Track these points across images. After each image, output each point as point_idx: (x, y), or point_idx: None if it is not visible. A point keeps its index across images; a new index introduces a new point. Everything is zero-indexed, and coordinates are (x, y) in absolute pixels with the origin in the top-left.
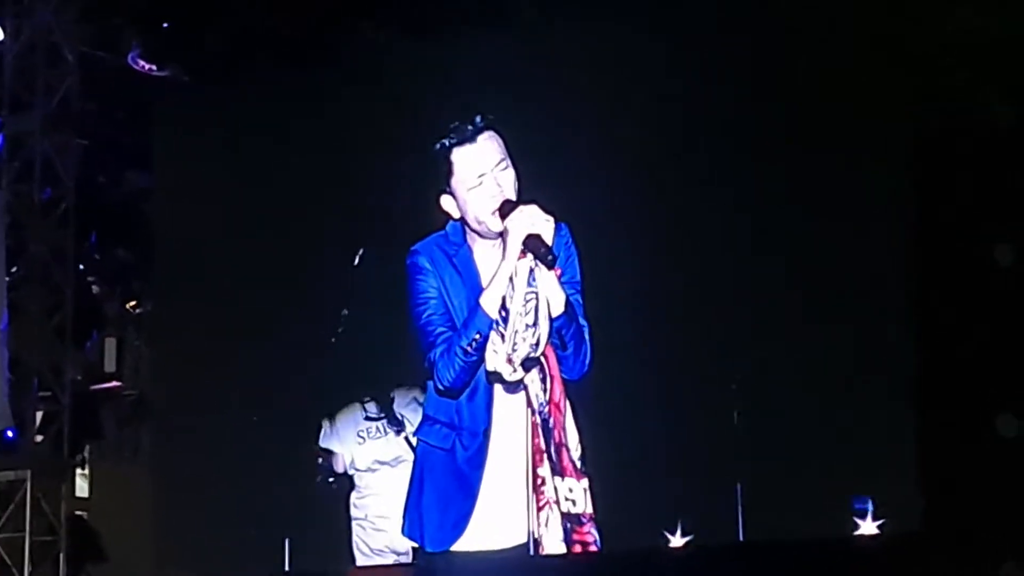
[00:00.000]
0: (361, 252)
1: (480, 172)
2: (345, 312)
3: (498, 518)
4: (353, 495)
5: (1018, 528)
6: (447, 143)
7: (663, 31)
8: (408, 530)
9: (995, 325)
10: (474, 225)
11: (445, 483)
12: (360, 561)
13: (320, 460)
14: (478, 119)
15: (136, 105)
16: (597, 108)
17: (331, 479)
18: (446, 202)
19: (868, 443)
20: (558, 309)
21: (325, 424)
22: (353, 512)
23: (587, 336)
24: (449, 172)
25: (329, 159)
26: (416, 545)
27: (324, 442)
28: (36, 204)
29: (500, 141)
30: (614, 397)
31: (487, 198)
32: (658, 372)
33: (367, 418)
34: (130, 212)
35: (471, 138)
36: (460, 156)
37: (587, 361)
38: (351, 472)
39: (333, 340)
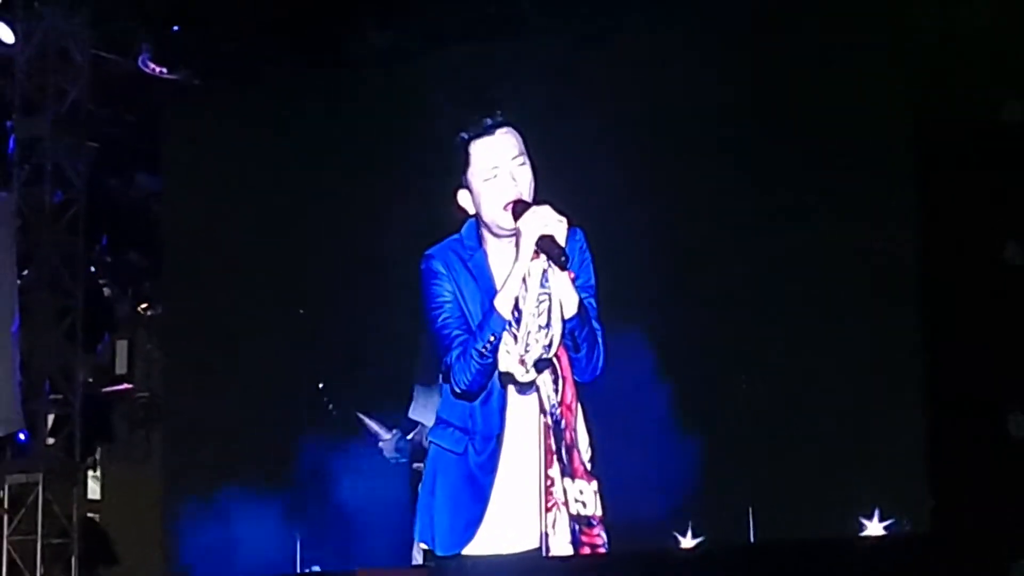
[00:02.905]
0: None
1: (495, 164)
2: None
3: (510, 522)
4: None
5: None
6: (466, 136)
7: (677, 35)
8: (420, 533)
9: (1005, 324)
10: (487, 221)
11: (457, 487)
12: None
13: (383, 437)
14: (497, 114)
15: (147, 108)
16: (614, 114)
17: (402, 459)
18: (462, 197)
19: (878, 444)
20: (571, 311)
21: (418, 394)
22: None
23: (600, 339)
24: (466, 164)
25: (340, 161)
26: (427, 548)
27: (415, 414)
28: (47, 207)
29: (519, 138)
30: (626, 399)
31: (500, 192)
32: (670, 374)
33: None
34: (141, 215)
35: (489, 131)
36: (477, 148)
37: (600, 364)
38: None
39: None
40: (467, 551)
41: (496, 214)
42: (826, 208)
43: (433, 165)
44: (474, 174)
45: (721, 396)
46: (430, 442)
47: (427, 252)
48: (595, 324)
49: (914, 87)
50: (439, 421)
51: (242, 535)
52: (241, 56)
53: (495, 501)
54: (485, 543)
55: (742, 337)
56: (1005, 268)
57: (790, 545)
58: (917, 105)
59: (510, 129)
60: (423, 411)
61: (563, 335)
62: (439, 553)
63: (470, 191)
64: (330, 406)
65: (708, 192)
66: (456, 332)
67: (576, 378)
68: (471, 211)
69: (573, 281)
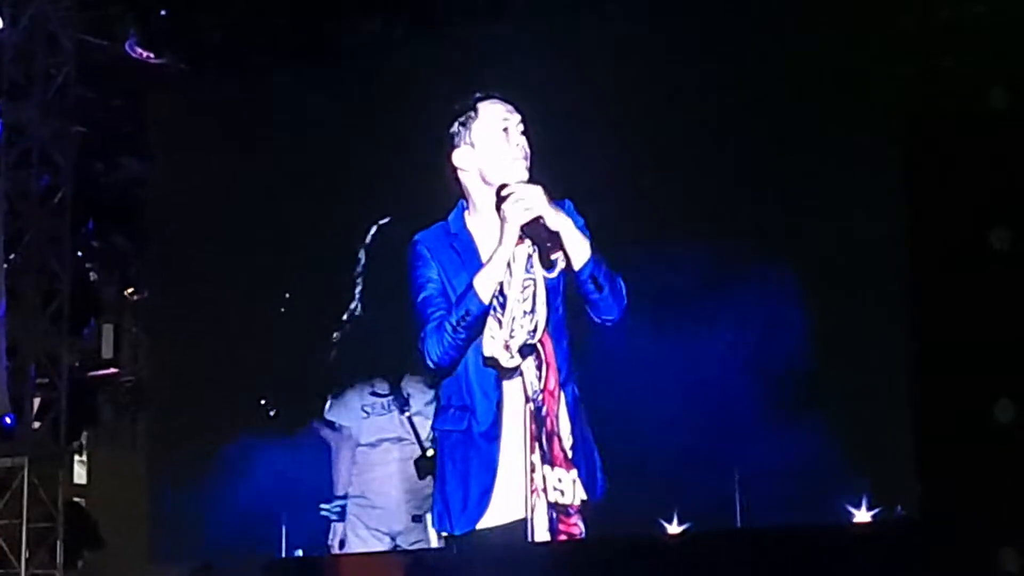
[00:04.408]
0: (373, 231)
1: (506, 117)
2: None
3: (505, 495)
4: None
5: (1015, 515)
6: (472, 99)
7: (665, 17)
8: (437, 521)
9: (992, 310)
10: (489, 174)
11: (464, 460)
12: (353, 543)
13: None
14: (494, 94)
15: (133, 93)
16: (603, 95)
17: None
18: (459, 156)
19: (865, 430)
20: (585, 255)
21: (330, 397)
22: (349, 491)
23: (620, 281)
24: (473, 119)
25: (327, 146)
26: (447, 534)
27: (329, 414)
28: (34, 191)
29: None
30: (612, 386)
31: (511, 144)
32: (657, 358)
33: (373, 393)
34: (128, 199)
35: (492, 97)
36: (486, 105)
37: (624, 295)
38: (355, 447)
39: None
40: (483, 524)
41: (502, 163)
42: (813, 194)
43: (421, 150)
44: (484, 126)
45: (710, 381)
46: (435, 431)
47: (415, 237)
48: (608, 269)
49: (901, 74)
50: (441, 408)
51: (228, 519)
52: (227, 42)
53: (503, 469)
54: (501, 513)
55: (730, 321)
56: (991, 254)
57: (777, 531)
58: (904, 93)
59: (503, 100)
60: (338, 410)
61: (580, 283)
62: (457, 533)
63: (473, 146)
64: (262, 401)
65: (694, 174)
66: (433, 309)
67: (606, 317)
68: (469, 168)
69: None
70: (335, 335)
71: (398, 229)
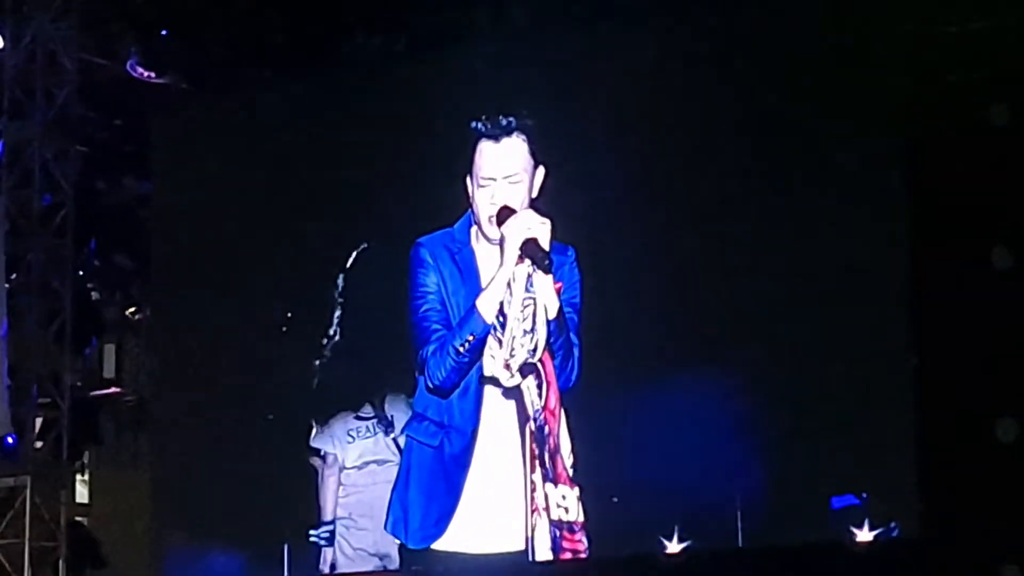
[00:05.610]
0: (355, 253)
1: (490, 176)
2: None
3: (485, 520)
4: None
5: (1017, 533)
6: (478, 129)
7: (667, 26)
8: (392, 526)
9: (993, 329)
10: (477, 220)
11: (431, 479)
12: (342, 564)
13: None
14: (512, 120)
15: (134, 112)
16: (608, 107)
17: None
18: (468, 184)
19: (866, 448)
20: (550, 315)
21: (315, 424)
22: (337, 512)
23: (576, 353)
24: (472, 160)
25: (329, 166)
26: (400, 542)
27: (315, 441)
28: (35, 211)
29: (525, 147)
30: (612, 404)
31: (487, 203)
32: (657, 378)
33: (357, 417)
34: (129, 218)
35: (496, 136)
36: (481, 151)
37: (574, 375)
38: (341, 471)
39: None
40: (438, 546)
41: (482, 220)
42: (816, 215)
43: (425, 168)
44: (474, 174)
45: (710, 402)
46: (405, 436)
47: (418, 240)
48: (573, 338)
49: (903, 90)
50: (415, 415)
51: (231, 540)
52: (229, 61)
53: (469, 497)
54: (457, 539)
55: (729, 343)
56: (993, 273)
57: (778, 550)
58: (905, 110)
59: (518, 139)
60: (323, 437)
61: (547, 338)
62: (411, 546)
63: (471, 183)
64: (269, 416)
65: (702, 203)
66: (435, 326)
67: None
68: (470, 195)
69: (559, 292)
70: (316, 363)
71: (377, 254)
